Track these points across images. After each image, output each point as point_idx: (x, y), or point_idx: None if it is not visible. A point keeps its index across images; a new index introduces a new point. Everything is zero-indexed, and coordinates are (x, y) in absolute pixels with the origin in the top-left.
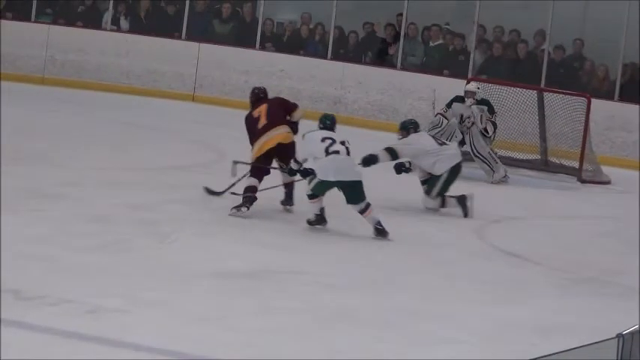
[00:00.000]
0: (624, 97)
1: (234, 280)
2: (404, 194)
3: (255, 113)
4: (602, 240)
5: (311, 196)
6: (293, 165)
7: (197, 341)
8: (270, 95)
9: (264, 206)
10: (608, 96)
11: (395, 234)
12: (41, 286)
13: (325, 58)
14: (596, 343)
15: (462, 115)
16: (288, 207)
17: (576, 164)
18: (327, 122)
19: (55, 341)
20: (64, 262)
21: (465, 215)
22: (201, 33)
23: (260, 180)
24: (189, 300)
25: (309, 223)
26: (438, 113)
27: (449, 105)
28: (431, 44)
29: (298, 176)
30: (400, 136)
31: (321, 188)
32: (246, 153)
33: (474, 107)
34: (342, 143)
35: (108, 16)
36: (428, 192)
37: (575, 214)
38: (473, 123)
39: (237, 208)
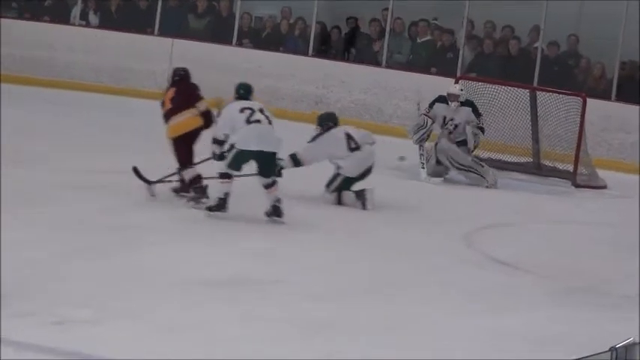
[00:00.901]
0: (622, 97)
1: (212, 288)
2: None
3: (165, 96)
4: (598, 247)
5: (224, 175)
6: (215, 149)
7: (173, 354)
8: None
9: (243, 212)
10: (605, 95)
11: (380, 241)
12: (3, 294)
13: (306, 55)
14: (589, 356)
15: (444, 117)
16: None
17: (571, 167)
18: (242, 91)
19: (18, 355)
20: (29, 269)
21: (364, 208)
22: (174, 28)
23: (191, 164)
24: (164, 310)
25: (209, 209)
26: (422, 114)
27: (431, 105)
28: (418, 40)
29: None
30: (316, 130)
31: (239, 161)
32: None
33: (461, 109)
34: (262, 111)
35: (76, 11)
36: (327, 185)
37: (569, 219)
38: (456, 126)
39: (195, 201)
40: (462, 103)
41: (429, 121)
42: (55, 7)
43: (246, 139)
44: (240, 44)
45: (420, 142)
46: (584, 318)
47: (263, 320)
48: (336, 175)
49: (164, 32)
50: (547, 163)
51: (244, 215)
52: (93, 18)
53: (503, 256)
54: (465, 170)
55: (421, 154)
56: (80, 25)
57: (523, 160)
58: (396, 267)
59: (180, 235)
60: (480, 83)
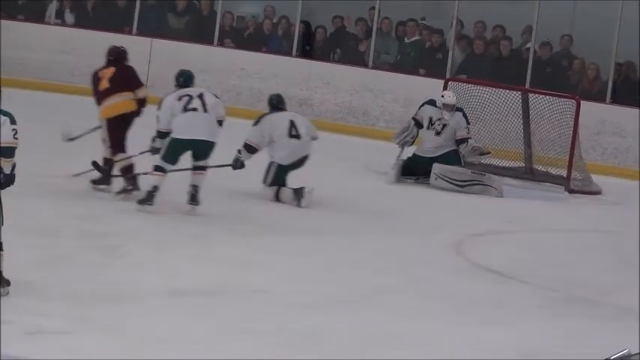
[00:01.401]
0: (617, 99)
1: (189, 298)
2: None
3: (100, 74)
4: (593, 256)
5: (159, 168)
6: (156, 144)
7: None
8: (231, 95)
9: (222, 219)
10: (600, 98)
11: (365, 248)
12: None
13: (290, 55)
14: None
15: (430, 118)
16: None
17: (564, 172)
18: (181, 79)
19: None
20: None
21: (298, 205)
22: (154, 28)
23: (123, 150)
24: (140, 321)
25: (140, 202)
26: (413, 117)
27: (420, 107)
28: (406, 41)
29: None
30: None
31: (174, 152)
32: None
33: (455, 114)
34: (201, 97)
35: (52, 10)
36: (264, 179)
37: (563, 227)
38: (444, 125)
39: (126, 192)
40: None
41: (414, 125)
42: (29, 6)
43: (180, 127)
44: (221, 44)
45: (403, 144)
46: (580, 330)
47: (240, 332)
48: (269, 165)
49: (143, 32)
50: (540, 167)
51: (221, 223)
52: (69, 17)
53: (495, 266)
54: (469, 185)
55: (399, 157)
56: (56, 24)
57: (515, 164)
58: (383, 276)
59: (153, 244)
60: (470, 85)
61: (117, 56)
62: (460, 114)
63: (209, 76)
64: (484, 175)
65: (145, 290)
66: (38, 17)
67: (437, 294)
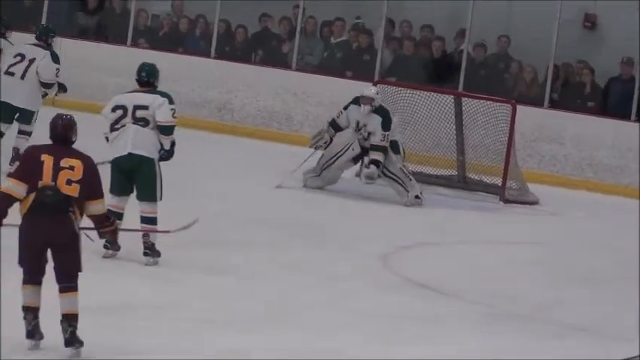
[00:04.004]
0: (555, 104)
1: (94, 316)
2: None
3: None
4: (531, 270)
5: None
6: None
7: None
8: None
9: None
10: (537, 102)
11: (289, 262)
12: None
13: (208, 56)
14: None
15: (357, 122)
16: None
17: (499, 181)
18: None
19: None
20: None
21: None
22: (62, 27)
23: None
24: (43, 340)
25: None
26: (330, 120)
27: (346, 107)
28: (332, 41)
29: None
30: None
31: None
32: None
33: (372, 116)
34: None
35: None
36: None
37: (498, 239)
38: (370, 133)
39: None
40: (377, 110)
41: (328, 128)
42: None
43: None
44: (135, 44)
45: (316, 148)
46: (518, 348)
47: (156, 352)
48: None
49: None
50: (473, 176)
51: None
52: None
53: (426, 280)
54: (391, 179)
55: (305, 160)
56: None
57: (447, 172)
58: (307, 292)
59: None
60: (399, 88)
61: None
62: (379, 119)
63: (121, 79)
64: (411, 179)
65: (46, 308)
66: None
67: (365, 310)
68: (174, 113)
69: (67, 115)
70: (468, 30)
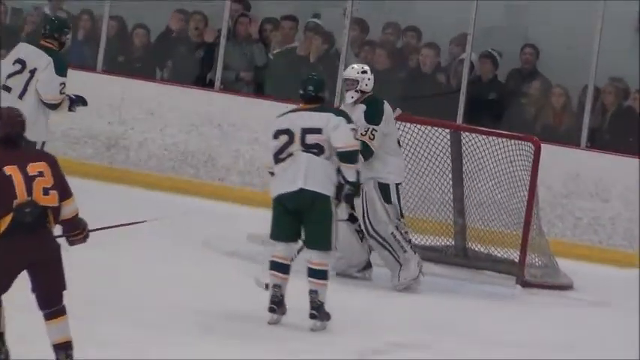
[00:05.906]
0: (597, 143)
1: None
2: None
3: None
4: None
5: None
6: None
7: None
8: None
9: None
10: (571, 140)
11: None
12: None
13: (94, 70)
14: None
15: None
16: None
17: (516, 255)
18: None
19: None
20: None
21: None
22: None
23: None
24: None
25: None
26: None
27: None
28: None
29: None
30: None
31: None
32: None
33: (358, 107)
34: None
35: None
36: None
37: (514, 341)
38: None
39: None
40: (366, 100)
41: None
42: None
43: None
44: None
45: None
46: None
47: None
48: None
49: None
50: (478, 247)
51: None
52: None
53: None
54: (378, 243)
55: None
56: None
57: (440, 242)
58: None
59: None
60: None
61: None
62: (364, 108)
63: None
64: (405, 251)
65: None
66: None
67: None
68: (355, 134)
69: (6, 108)
70: (471, 34)
